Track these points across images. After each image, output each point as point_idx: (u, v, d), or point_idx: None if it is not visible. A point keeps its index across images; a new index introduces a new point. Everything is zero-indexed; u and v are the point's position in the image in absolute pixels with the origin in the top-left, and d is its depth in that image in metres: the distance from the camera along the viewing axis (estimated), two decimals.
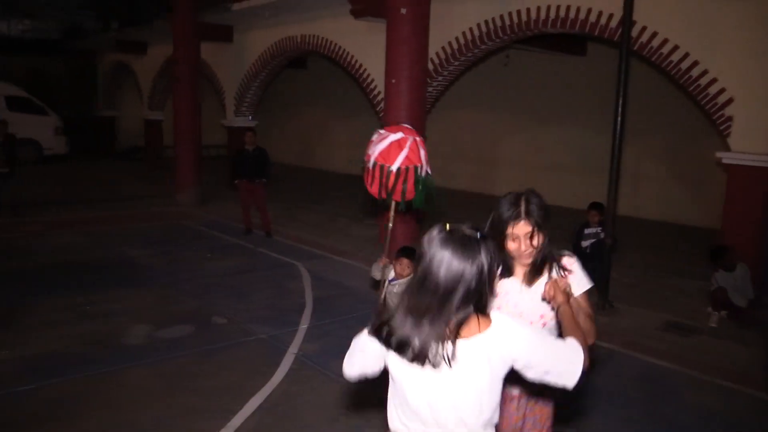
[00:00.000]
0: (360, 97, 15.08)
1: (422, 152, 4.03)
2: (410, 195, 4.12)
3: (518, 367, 1.91)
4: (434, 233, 1.88)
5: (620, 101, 6.44)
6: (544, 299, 2.40)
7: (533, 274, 2.53)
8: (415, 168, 3.96)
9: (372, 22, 10.03)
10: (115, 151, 21.32)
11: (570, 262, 2.57)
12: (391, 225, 4.25)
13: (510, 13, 8.44)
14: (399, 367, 1.94)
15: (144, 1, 18.58)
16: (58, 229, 9.96)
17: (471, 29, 8.97)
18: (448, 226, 1.89)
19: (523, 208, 2.41)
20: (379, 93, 10.12)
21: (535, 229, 2.41)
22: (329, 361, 5.24)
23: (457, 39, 9.17)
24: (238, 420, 4.22)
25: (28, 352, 5.25)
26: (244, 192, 9.89)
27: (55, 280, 7.30)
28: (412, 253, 4.42)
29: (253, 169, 9.63)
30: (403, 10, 7.80)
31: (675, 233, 10.87)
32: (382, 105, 9.50)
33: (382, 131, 4.02)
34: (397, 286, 4.45)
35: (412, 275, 4.25)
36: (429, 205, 4.08)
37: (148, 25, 17.11)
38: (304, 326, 6.03)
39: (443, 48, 9.33)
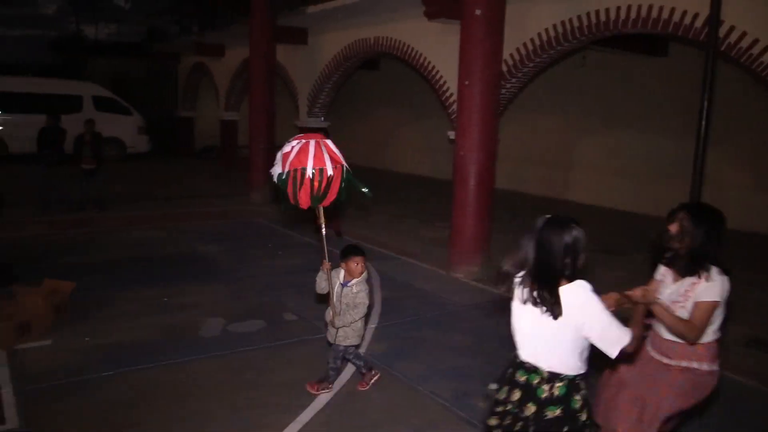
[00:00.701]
0: (431, 99, 15.03)
1: (327, 152, 4.11)
2: (332, 197, 4.26)
3: (584, 328, 2.58)
4: (542, 219, 2.65)
5: (705, 104, 6.16)
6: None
7: (682, 272, 3.18)
8: (343, 168, 4.18)
9: (446, 24, 9.97)
10: (192, 150, 22.06)
11: (716, 273, 3.08)
12: (324, 230, 4.45)
13: (588, 14, 8.22)
14: (517, 306, 2.77)
15: (222, 6, 19.14)
16: (138, 224, 10.40)
17: (547, 30, 8.79)
18: (550, 215, 2.66)
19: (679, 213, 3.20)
20: (451, 95, 10.05)
21: (681, 231, 3.14)
22: (396, 361, 5.24)
23: (532, 40, 9.00)
24: (306, 416, 4.28)
25: (109, 340, 5.50)
26: None
27: (135, 272, 7.62)
28: (360, 250, 4.58)
29: None
30: (478, 12, 7.71)
31: (759, 244, 10.31)
32: (454, 107, 9.44)
33: (292, 142, 4.16)
34: (354, 286, 4.48)
35: (366, 272, 4.54)
36: (351, 196, 4.36)
37: (226, 29, 17.63)
38: (372, 326, 6.05)
39: (518, 49, 9.18)
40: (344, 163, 4.28)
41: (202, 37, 19.62)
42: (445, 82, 10.41)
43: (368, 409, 4.43)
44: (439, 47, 10.49)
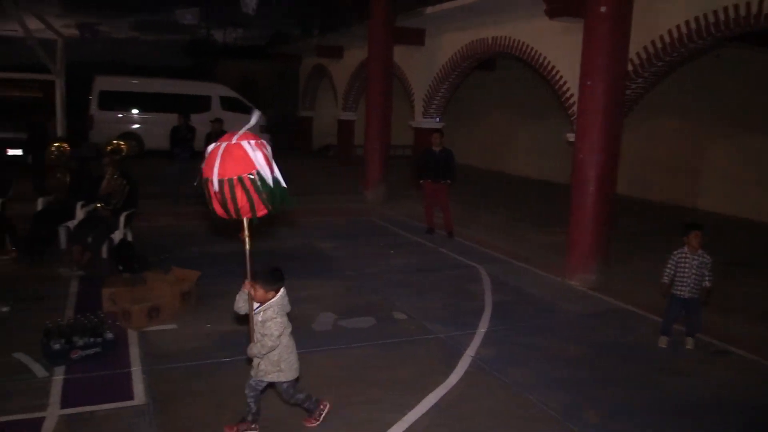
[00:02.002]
0: (548, 100, 14.63)
1: (248, 156, 3.60)
2: (261, 209, 3.77)
3: None
4: None
5: None
6: None
7: None
8: (257, 177, 3.63)
9: (567, 22, 9.66)
10: (310, 148, 22.79)
11: None
12: (248, 246, 3.98)
13: (726, 8, 7.65)
14: None
15: (343, 8, 19.61)
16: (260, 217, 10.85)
17: (678, 27, 8.27)
18: None
19: None
20: (571, 96, 9.72)
21: None
22: (506, 367, 5.13)
23: (661, 38, 8.51)
24: (412, 416, 4.27)
25: (228, 327, 5.77)
26: (428, 192, 10.06)
27: (255, 264, 7.94)
28: (266, 276, 3.96)
29: (439, 169, 9.75)
30: (603, 8, 7.40)
31: None
32: (574, 108, 9.12)
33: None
34: (262, 313, 3.87)
35: (280, 301, 3.87)
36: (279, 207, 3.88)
37: (346, 31, 18.05)
38: (482, 330, 5.97)
39: (645, 48, 8.71)
40: (258, 169, 3.74)
41: (322, 39, 20.21)
42: (565, 82, 10.09)
43: (477, 413, 4.36)
44: (559, 46, 10.18)
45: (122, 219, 7.41)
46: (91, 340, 4.96)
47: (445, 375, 4.93)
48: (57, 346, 4.82)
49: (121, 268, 7.07)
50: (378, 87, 13.03)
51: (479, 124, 20.60)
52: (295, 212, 11.42)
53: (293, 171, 17.74)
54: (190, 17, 11.85)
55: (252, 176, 3.71)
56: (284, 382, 3.95)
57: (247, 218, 3.91)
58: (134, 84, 19.55)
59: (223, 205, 3.79)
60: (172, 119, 12.33)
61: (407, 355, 5.35)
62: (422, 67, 14.81)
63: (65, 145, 8.17)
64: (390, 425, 4.13)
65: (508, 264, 8.60)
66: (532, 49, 10.92)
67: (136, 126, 18.80)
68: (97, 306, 5.93)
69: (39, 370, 4.78)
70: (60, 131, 11.72)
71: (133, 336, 5.45)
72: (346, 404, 4.42)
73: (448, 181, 9.84)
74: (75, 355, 4.86)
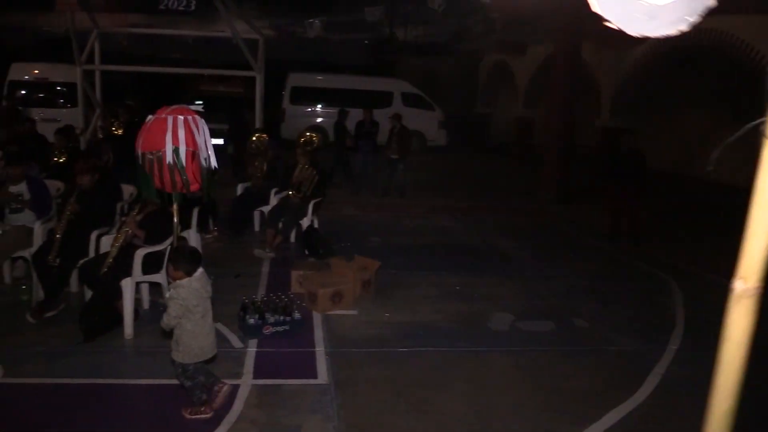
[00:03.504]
0: (754, 98, 13.16)
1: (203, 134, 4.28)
2: (195, 184, 4.32)
3: None
4: None
5: None
6: None
7: None
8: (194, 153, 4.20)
9: None
10: (486, 146, 22.61)
11: None
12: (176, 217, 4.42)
13: None
14: None
15: (528, 3, 19.16)
16: (436, 213, 10.96)
17: None
18: None
19: None
20: None
21: None
22: (701, 390, 4.65)
23: None
24: (594, 430, 4.04)
25: (406, 318, 5.87)
26: (614, 196, 9.47)
27: (433, 258, 8.03)
28: (176, 257, 3.95)
29: (628, 172, 9.13)
30: None
31: None
32: None
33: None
34: (171, 290, 3.91)
35: (189, 283, 3.86)
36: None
37: (531, 26, 17.60)
38: (673, 347, 5.49)
39: None
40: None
41: (505, 35, 19.91)
42: None
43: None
44: None
45: (310, 207, 7.84)
46: (282, 318, 5.29)
47: (631, 391, 4.60)
48: (252, 321, 5.20)
49: (307, 252, 7.49)
50: (562, 84, 12.54)
51: (673, 124, 19.07)
52: (474, 209, 11.38)
53: (470, 167, 17.77)
54: (377, 14, 12.17)
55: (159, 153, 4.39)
56: (178, 363, 3.95)
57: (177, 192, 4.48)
58: (322, 80, 20.65)
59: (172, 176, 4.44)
60: (355, 114, 12.85)
61: (590, 366, 5.07)
62: (612, 63, 14.03)
63: (264, 136, 8.82)
64: None
65: (702, 278, 7.85)
66: (742, 41, 9.88)
67: (322, 120, 19.85)
68: (285, 286, 6.34)
69: (235, 340, 5.19)
70: (258, 123, 12.68)
71: (317, 318, 5.73)
72: (525, 407, 4.30)
73: (638, 185, 9.18)
74: (267, 330, 5.22)
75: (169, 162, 4.45)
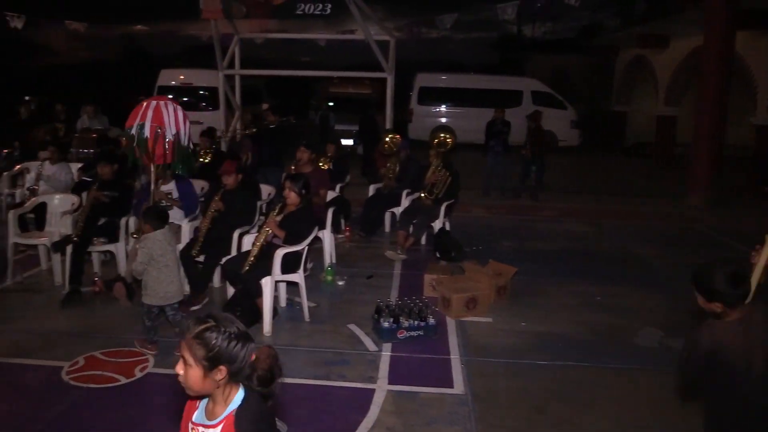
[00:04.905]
0: None
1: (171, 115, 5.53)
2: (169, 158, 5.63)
3: None
4: None
5: None
6: None
7: None
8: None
9: None
10: (622, 146, 21.42)
11: None
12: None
13: None
14: None
15: None
16: (569, 216, 10.48)
17: None
18: None
19: None
20: None
21: None
22: None
23: None
24: None
25: (543, 328, 5.59)
26: None
27: (569, 265, 7.64)
28: (149, 215, 4.86)
29: None
30: None
31: None
32: None
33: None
34: (142, 241, 4.80)
35: (152, 237, 4.73)
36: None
37: (675, 17, 16.40)
38: None
39: None
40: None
41: (645, 27, 18.72)
42: None
43: None
44: None
45: (443, 209, 7.71)
46: (416, 322, 5.20)
47: None
48: (386, 324, 5.15)
49: (438, 255, 7.38)
50: (713, 79, 11.53)
51: None
52: (610, 213, 10.76)
53: (605, 169, 16.87)
54: (510, 12, 11.81)
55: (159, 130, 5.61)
56: (145, 304, 4.83)
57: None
58: (449, 80, 20.48)
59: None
60: (483, 113, 12.56)
61: None
62: None
63: (397, 136, 8.80)
64: None
65: None
66: None
67: (448, 120, 19.68)
68: (417, 289, 6.26)
69: (369, 343, 5.18)
70: (388, 124, 12.75)
71: (451, 324, 5.60)
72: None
73: None
74: (401, 334, 5.15)
75: (131, 135, 5.67)
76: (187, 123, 5.99)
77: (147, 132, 5.60)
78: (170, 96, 16.16)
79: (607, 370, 4.82)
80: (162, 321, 5.00)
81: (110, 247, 6.41)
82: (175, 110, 5.80)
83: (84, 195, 6.67)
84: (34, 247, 6.98)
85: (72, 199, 6.86)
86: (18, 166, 8.99)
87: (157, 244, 4.72)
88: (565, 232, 9.49)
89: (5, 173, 9.39)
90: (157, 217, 4.83)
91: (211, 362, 1.79)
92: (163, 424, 3.78)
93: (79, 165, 8.40)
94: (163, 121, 5.64)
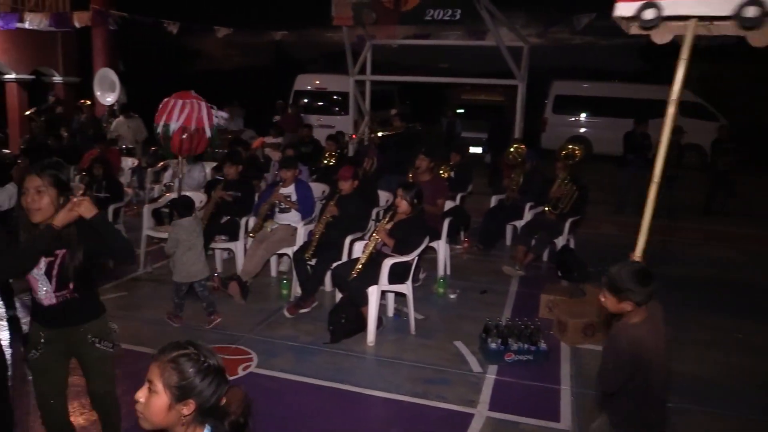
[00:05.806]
0: None
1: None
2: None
3: None
4: None
5: None
6: None
7: None
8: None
9: None
10: None
11: None
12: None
13: None
14: None
15: None
16: (712, 240, 9.52)
17: None
18: None
19: None
20: None
21: None
22: None
23: None
24: None
25: (684, 369, 4.97)
26: None
27: (709, 295, 6.87)
28: (182, 205, 5.46)
29: None
30: None
31: None
32: None
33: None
34: (172, 228, 5.43)
35: (181, 227, 5.33)
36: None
37: None
38: None
39: None
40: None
41: None
42: None
43: None
44: None
45: (567, 225, 7.24)
46: (526, 346, 4.88)
47: None
48: (494, 346, 4.88)
49: (560, 274, 6.93)
50: None
51: None
52: (763, 239, 9.65)
53: (760, 188, 15.09)
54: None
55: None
56: (174, 282, 5.42)
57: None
58: (587, 88, 19.50)
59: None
60: (622, 124, 11.75)
61: None
62: None
63: (522, 146, 8.42)
64: None
65: None
66: None
67: (585, 130, 18.75)
68: (533, 310, 5.90)
69: (474, 363, 4.92)
70: (517, 133, 12.33)
71: (565, 350, 5.20)
72: None
73: None
74: (509, 357, 4.85)
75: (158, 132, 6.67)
76: (212, 115, 6.89)
77: (173, 128, 6.56)
78: (305, 100, 16.97)
79: (751, 423, 4.23)
80: (192, 297, 5.59)
81: (230, 245, 6.65)
82: (199, 107, 6.71)
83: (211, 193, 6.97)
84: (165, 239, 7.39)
85: (201, 197, 7.18)
86: (161, 163, 9.62)
87: (183, 230, 5.29)
88: (706, 257, 8.59)
89: (150, 169, 10.12)
90: (185, 207, 5.40)
91: (181, 392, 1.64)
92: (260, 426, 3.78)
93: (214, 164, 8.83)
94: (190, 120, 6.60)
